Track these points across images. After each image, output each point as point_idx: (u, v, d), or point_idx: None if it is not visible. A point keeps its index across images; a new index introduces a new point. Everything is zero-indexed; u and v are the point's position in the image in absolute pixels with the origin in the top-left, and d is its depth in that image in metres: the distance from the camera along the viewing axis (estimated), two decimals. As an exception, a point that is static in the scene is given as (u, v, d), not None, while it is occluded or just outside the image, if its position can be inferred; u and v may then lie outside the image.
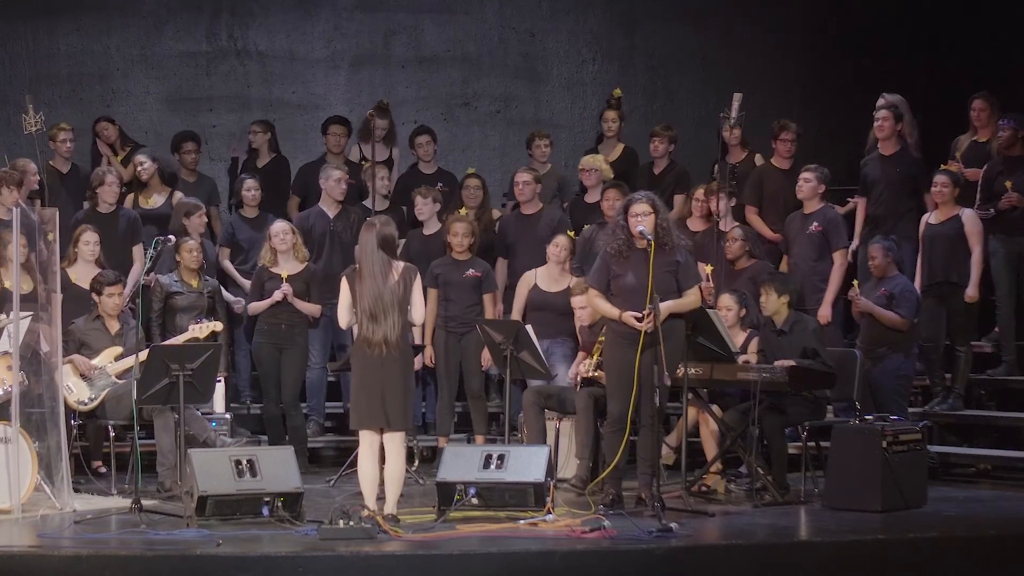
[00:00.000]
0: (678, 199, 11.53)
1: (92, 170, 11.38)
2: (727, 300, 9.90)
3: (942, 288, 10.60)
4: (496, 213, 11.86)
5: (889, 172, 11.01)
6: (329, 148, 12.18)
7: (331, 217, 11.27)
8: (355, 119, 12.54)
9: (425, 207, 11.17)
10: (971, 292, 10.52)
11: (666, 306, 8.61)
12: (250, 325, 11.06)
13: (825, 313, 10.50)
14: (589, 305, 9.27)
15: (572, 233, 10.81)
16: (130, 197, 11.43)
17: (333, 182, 11.24)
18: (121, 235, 10.90)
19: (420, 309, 8.43)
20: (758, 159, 11.78)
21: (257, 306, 10.62)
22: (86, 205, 11.18)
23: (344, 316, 8.43)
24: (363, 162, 12.06)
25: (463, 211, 11.11)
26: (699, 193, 11.07)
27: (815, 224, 10.68)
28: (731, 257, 10.50)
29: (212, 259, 11.17)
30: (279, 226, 10.68)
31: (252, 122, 12.64)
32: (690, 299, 8.81)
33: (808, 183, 10.74)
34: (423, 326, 10.22)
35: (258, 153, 12.43)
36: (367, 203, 11.41)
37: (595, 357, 9.63)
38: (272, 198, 11.88)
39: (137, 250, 10.96)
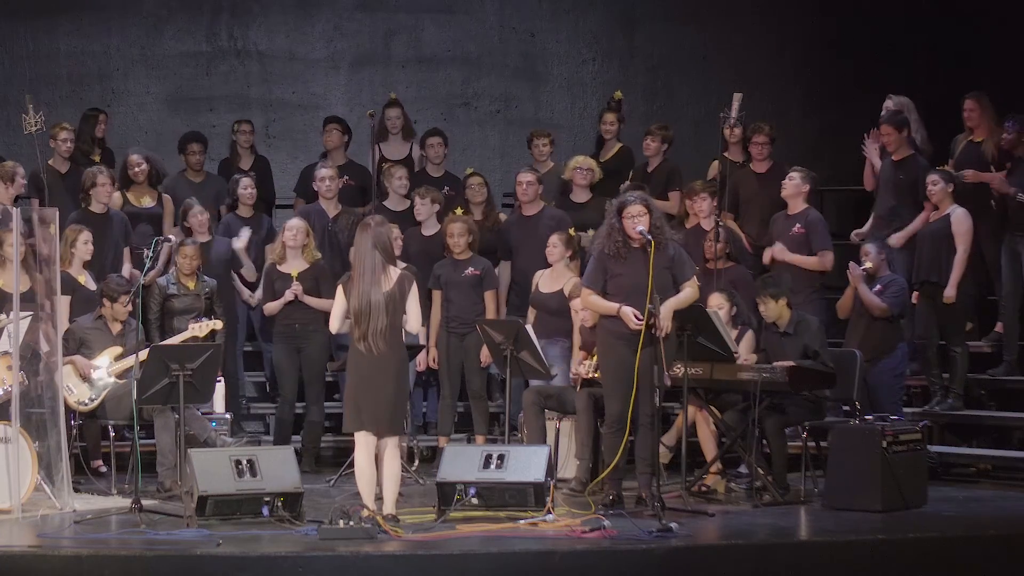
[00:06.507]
0: (673, 196, 11.49)
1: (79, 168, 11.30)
2: (717, 299, 9.86)
3: (925, 287, 10.58)
4: (503, 216, 11.83)
5: (894, 177, 10.97)
6: (326, 147, 12.16)
7: (330, 217, 11.27)
8: (355, 119, 12.53)
9: (423, 208, 11.15)
10: (948, 292, 10.42)
11: (668, 305, 8.61)
12: (265, 325, 11.07)
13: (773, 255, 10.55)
14: (584, 304, 9.22)
15: (573, 231, 10.78)
16: (117, 196, 11.38)
17: (318, 181, 11.23)
18: (115, 235, 10.86)
19: (416, 317, 8.35)
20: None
21: (272, 307, 10.61)
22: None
23: (335, 324, 8.41)
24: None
25: (459, 211, 11.09)
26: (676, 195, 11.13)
27: (797, 226, 10.63)
28: (709, 256, 10.39)
29: (224, 254, 11.12)
30: (294, 222, 10.66)
31: (239, 121, 12.48)
32: (689, 291, 8.80)
33: (792, 181, 10.67)
34: (428, 328, 10.19)
35: (240, 156, 12.34)
36: (388, 204, 11.37)
37: (595, 358, 9.62)
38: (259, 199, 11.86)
39: (127, 252, 10.93)
